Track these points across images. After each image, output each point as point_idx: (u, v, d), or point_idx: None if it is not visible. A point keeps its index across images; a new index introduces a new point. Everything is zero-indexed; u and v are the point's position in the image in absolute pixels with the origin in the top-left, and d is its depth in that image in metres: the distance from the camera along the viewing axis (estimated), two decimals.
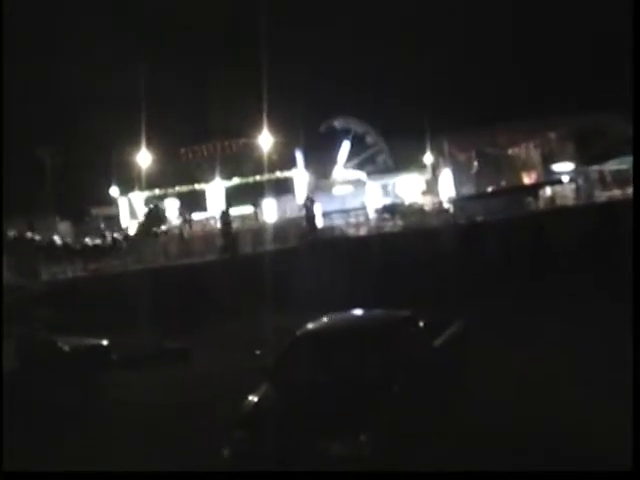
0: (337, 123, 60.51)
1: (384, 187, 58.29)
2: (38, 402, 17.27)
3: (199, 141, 56.97)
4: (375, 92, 60.45)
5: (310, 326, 14.34)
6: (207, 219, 52.50)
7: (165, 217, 48.82)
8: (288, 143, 56.27)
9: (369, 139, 61.06)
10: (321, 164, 58.55)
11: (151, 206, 49.97)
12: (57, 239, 43.65)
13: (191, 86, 60.27)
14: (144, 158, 55.42)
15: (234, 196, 53.70)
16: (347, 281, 28.25)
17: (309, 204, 40.27)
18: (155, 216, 47.35)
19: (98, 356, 21.39)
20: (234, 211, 46.10)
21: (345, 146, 59.84)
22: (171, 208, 52.67)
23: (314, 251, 34.92)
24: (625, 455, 9.91)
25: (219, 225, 41.16)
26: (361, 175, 59.03)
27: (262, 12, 55.76)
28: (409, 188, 57.34)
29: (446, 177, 56.30)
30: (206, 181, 55.95)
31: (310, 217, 39.84)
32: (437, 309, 16.24)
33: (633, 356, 11.22)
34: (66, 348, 20.70)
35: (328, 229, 42.72)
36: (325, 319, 14.60)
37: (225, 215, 39.74)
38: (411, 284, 27.65)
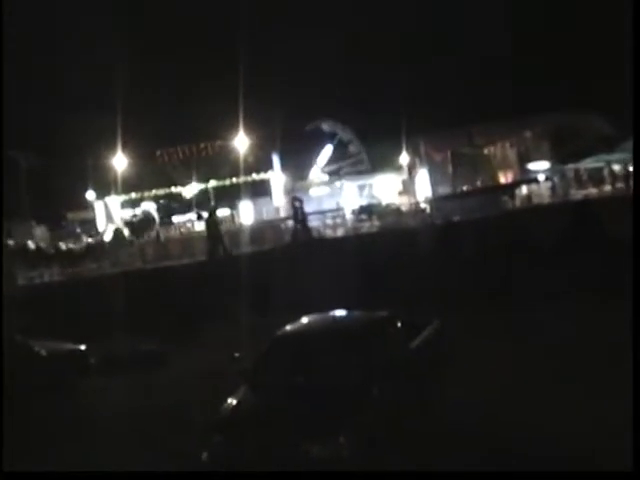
0: (325, 126, 60.33)
1: (361, 188, 58.29)
2: (15, 408, 17.18)
3: (175, 143, 56.76)
4: (351, 93, 60.46)
5: (288, 328, 14.28)
6: (184, 222, 52.40)
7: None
8: (264, 145, 56.18)
9: (352, 148, 60.94)
10: (297, 166, 58.47)
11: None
12: (32, 244, 43.61)
13: (167, 88, 60.11)
14: (120, 161, 55.14)
15: (210, 198, 53.60)
16: (325, 282, 28.19)
17: (298, 204, 39.56)
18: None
19: (75, 360, 21.34)
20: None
21: (327, 150, 59.69)
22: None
23: (305, 252, 34.74)
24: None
25: (204, 226, 40.49)
26: (338, 176, 59.00)
27: (239, 14, 55.77)
28: (386, 189, 57.39)
29: (422, 177, 56.43)
30: (182, 184, 55.80)
31: (299, 217, 39.13)
32: (415, 309, 16.22)
33: (633, 357, 11.26)
34: (43, 353, 20.64)
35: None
36: (303, 320, 14.55)
37: (212, 216, 39.10)
38: (388, 284, 27.73)
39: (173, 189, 55.89)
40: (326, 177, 59.06)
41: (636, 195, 20.74)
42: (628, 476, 9.67)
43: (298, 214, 38.97)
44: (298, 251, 35.24)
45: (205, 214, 43.73)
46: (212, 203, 44.52)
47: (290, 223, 43.82)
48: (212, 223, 37.55)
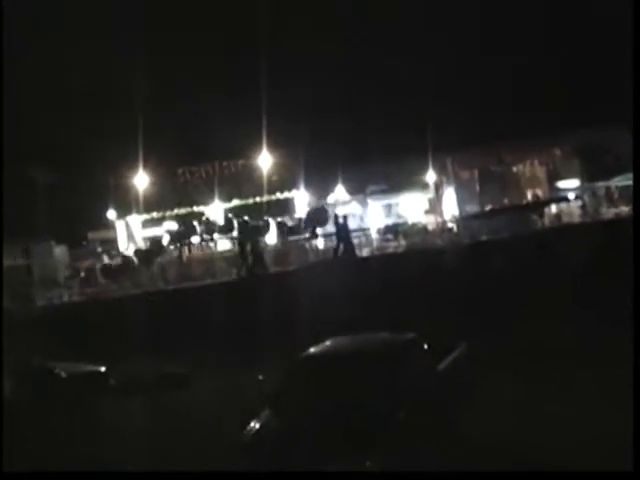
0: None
1: (386, 207, 57.93)
2: (34, 428, 17.15)
3: (197, 162, 56.57)
4: (378, 109, 60.31)
5: (313, 350, 14.21)
6: (206, 242, 52.13)
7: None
8: (288, 163, 55.86)
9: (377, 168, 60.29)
10: (321, 185, 58.10)
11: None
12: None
13: (189, 105, 60.16)
14: (141, 180, 54.91)
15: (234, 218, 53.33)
16: (350, 302, 27.94)
17: (341, 220, 39.13)
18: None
19: (96, 382, 21.37)
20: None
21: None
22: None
23: (353, 271, 34.48)
24: None
25: (237, 245, 40.27)
26: (363, 195, 58.67)
27: (262, 30, 55.78)
28: (412, 208, 56.95)
29: (449, 196, 56.01)
30: (205, 203, 55.51)
31: (342, 235, 38.63)
32: (441, 331, 16.02)
33: (633, 358, 11.09)
34: (63, 374, 20.66)
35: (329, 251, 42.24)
36: (328, 342, 14.47)
37: (250, 235, 38.97)
38: (415, 305, 27.36)
39: (195, 208, 55.58)
40: (351, 196, 58.64)
41: (636, 198, 20.42)
42: (628, 476, 9.75)
43: (341, 230, 38.64)
44: (334, 268, 35.12)
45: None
46: (248, 221, 44.09)
47: (314, 243, 43.90)
48: (247, 242, 37.49)
